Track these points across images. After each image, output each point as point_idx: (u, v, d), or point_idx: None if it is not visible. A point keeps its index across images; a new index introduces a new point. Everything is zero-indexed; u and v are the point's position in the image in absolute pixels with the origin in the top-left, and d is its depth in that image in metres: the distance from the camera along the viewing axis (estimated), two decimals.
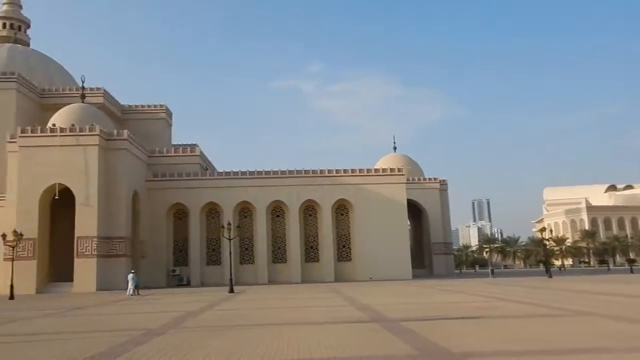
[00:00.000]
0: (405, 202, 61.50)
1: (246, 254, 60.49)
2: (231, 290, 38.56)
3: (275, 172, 60.80)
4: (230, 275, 41.03)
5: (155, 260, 57.47)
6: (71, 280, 48.36)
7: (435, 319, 17.59)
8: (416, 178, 74.18)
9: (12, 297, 39.47)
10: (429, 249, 76.02)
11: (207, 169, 66.41)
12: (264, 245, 59.38)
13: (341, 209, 62.35)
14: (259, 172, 60.69)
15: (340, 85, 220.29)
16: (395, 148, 79.80)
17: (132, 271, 41.40)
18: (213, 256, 59.95)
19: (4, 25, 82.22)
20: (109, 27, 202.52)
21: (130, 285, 38.61)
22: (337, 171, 61.57)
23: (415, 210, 74.85)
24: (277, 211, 61.60)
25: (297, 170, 61.09)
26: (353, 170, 61.87)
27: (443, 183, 78.10)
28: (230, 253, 43.74)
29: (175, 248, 59.72)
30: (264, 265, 58.89)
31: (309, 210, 62.04)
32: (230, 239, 42.65)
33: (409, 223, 69.77)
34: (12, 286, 40.67)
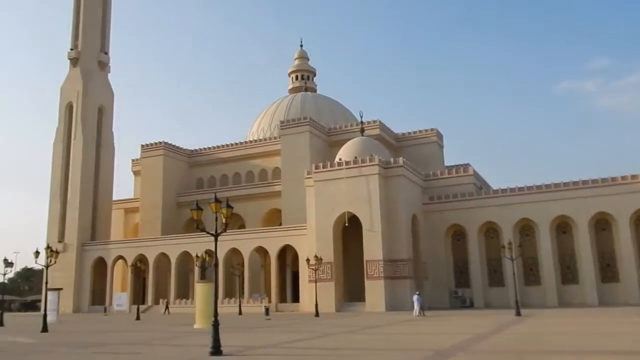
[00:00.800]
0: None
1: (531, 274, 56.80)
2: (518, 313, 36.64)
3: (557, 185, 55.99)
4: (516, 297, 39.05)
5: (437, 281, 58.50)
6: (363, 300, 52.69)
7: None
8: None
9: (317, 314, 45.05)
10: None
11: (481, 188, 65.18)
12: (550, 265, 54.86)
13: None
14: (539, 187, 56.68)
15: (628, 80, 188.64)
16: None
17: (417, 292, 42.95)
18: (495, 277, 57.99)
19: (297, 77, 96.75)
20: (378, 63, 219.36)
21: (416, 306, 40.06)
22: (634, 177, 53.35)
23: None
24: (562, 227, 56.46)
25: (582, 181, 55.04)
26: None
27: None
28: (513, 274, 41.78)
29: (455, 269, 59.76)
30: (552, 287, 54.28)
31: (601, 223, 55.10)
32: (512, 259, 40.78)
33: None
34: (316, 305, 46.45)
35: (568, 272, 55.61)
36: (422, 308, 40.44)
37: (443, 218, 59.61)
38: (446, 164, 76.83)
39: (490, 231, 58.94)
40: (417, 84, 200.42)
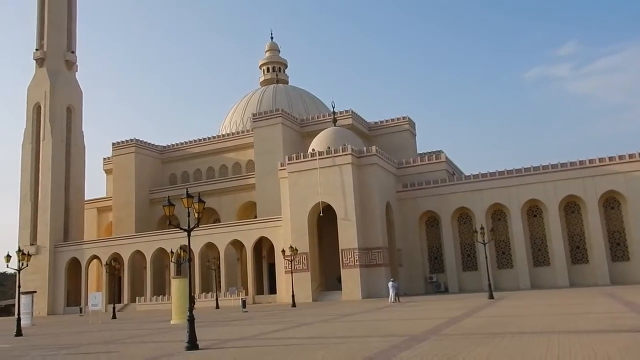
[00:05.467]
0: None
1: (503, 258, 57.99)
2: (491, 296, 37.44)
3: (527, 169, 57.08)
4: (489, 280, 39.91)
5: (412, 268, 59.29)
6: (339, 289, 53.09)
7: None
8: None
9: (294, 305, 45.28)
10: None
11: (454, 174, 66.09)
12: (522, 248, 56.10)
13: (610, 201, 55.22)
14: (509, 171, 57.73)
15: (599, 64, 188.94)
16: None
17: (392, 279, 43.49)
18: (469, 262, 59.05)
19: (268, 70, 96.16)
20: (349, 53, 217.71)
21: (392, 293, 40.58)
22: (602, 160, 54.65)
23: None
24: (533, 210, 57.69)
25: (552, 165, 56.23)
26: (622, 157, 53.99)
27: None
28: (486, 258, 42.60)
29: (430, 255, 60.65)
30: (524, 269, 55.55)
31: (571, 206, 56.49)
32: (484, 244, 41.57)
33: None
34: (293, 295, 46.68)
35: (539, 255, 56.93)
36: (398, 294, 40.98)
37: (416, 205, 60.32)
38: (419, 151, 77.63)
39: (463, 216, 59.89)
40: (389, 72, 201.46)
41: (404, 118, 76.43)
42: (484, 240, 41.35)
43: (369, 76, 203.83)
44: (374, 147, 57.25)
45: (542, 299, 34.15)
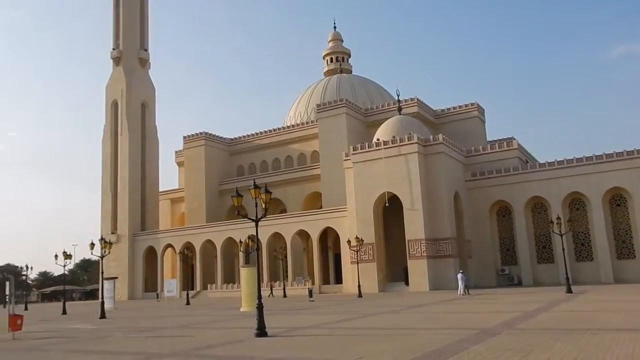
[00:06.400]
0: None
1: (583, 250, 54.95)
2: (569, 290, 35.62)
3: (609, 155, 53.39)
4: (566, 273, 37.94)
5: (482, 259, 57.46)
6: (406, 280, 52.36)
7: None
8: None
9: (360, 295, 45.14)
10: None
11: (527, 162, 63.26)
12: (603, 239, 52.81)
13: None
14: (588, 158, 54.32)
15: None
16: None
17: (461, 271, 42.36)
18: (544, 254, 56.46)
19: (331, 60, 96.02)
20: (413, 40, 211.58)
21: (460, 285, 39.54)
22: None
23: None
24: (616, 199, 54.19)
25: (637, 150, 52.24)
26: None
27: None
28: (563, 250, 40.52)
29: (501, 246, 58.49)
30: (606, 262, 52.31)
31: None
32: (561, 235, 39.58)
33: None
34: (359, 286, 46.53)
35: (624, 247, 53.43)
36: (467, 286, 39.88)
37: (487, 194, 58.27)
38: (488, 139, 74.91)
39: (538, 206, 57.27)
40: (456, 58, 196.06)
41: (472, 104, 73.88)
42: (560, 231, 39.37)
43: (435, 63, 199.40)
44: (440, 136, 55.80)
45: (627, 294, 32.06)
